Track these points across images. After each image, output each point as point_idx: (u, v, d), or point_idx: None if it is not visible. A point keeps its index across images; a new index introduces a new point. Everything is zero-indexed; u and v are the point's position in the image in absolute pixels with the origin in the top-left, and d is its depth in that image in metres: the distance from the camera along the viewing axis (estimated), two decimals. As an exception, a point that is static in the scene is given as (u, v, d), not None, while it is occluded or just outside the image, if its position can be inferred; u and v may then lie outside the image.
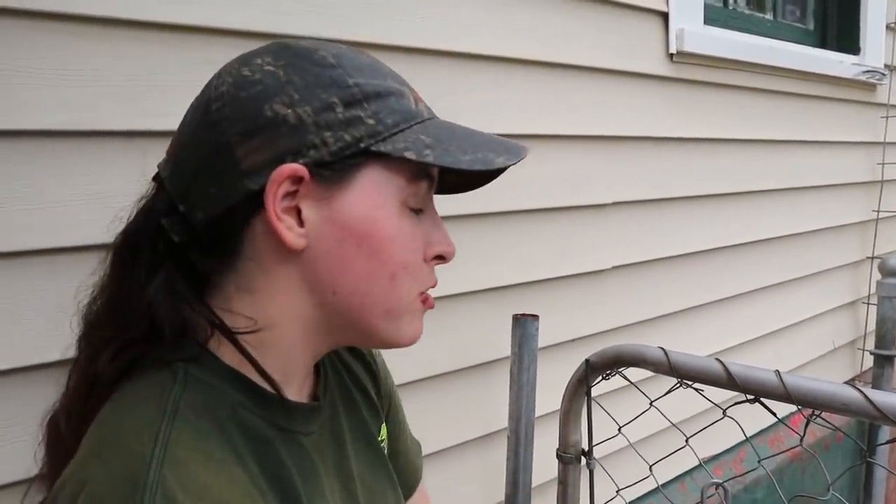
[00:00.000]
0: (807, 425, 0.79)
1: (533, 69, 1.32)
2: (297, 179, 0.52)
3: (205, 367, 0.54)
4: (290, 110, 0.52)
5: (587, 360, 1.03)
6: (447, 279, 1.23)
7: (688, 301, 1.76)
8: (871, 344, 2.43)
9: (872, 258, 2.50)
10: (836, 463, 2.40)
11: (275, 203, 0.52)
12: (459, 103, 1.20)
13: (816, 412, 0.78)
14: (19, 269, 0.79)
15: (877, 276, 2.35)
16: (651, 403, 0.97)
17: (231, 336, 0.54)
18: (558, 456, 1.10)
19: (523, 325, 1.16)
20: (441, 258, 0.60)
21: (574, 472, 1.10)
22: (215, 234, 0.54)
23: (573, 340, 1.45)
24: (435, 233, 0.59)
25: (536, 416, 1.19)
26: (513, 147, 0.57)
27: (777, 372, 0.82)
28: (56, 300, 0.79)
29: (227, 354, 0.55)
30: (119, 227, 0.57)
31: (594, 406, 1.05)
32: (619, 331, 1.55)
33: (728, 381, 0.85)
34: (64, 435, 0.56)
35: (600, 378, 1.02)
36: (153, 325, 0.52)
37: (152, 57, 0.85)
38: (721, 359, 0.87)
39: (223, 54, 0.89)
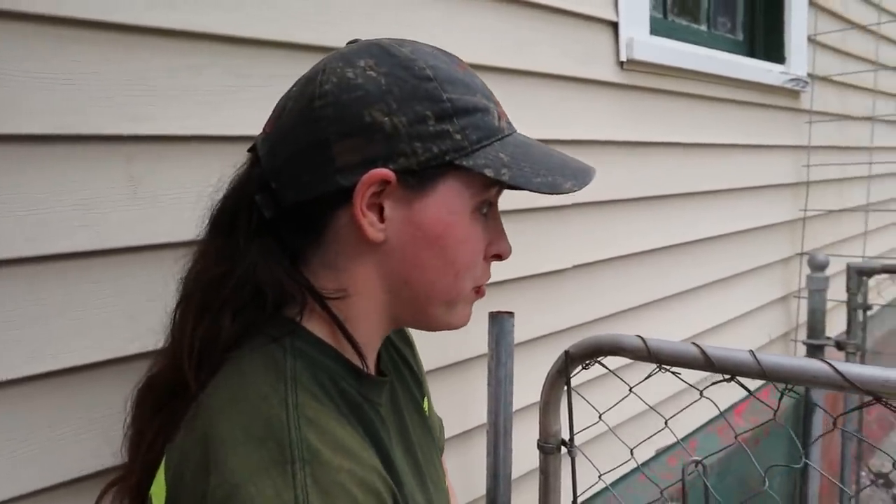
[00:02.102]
0: (781, 398, 0.85)
1: (494, 75, 1.36)
2: (385, 182, 0.57)
3: (304, 339, 0.59)
4: (387, 118, 0.56)
5: (566, 352, 1.07)
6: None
7: (639, 298, 1.83)
8: (802, 335, 2.57)
9: (802, 254, 2.65)
10: (776, 446, 2.53)
11: (362, 201, 0.57)
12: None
13: (789, 386, 0.84)
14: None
15: (806, 271, 2.50)
16: (630, 389, 1.02)
17: (322, 301, 0.59)
18: (539, 447, 1.14)
19: (500, 322, 1.19)
20: (498, 257, 0.66)
21: (555, 461, 1.14)
22: (302, 216, 0.60)
23: (539, 338, 1.50)
24: (496, 233, 0.65)
25: (514, 409, 1.22)
26: (580, 172, 0.63)
27: (751, 352, 0.88)
28: (38, 309, 0.78)
29: (318, 328, 0.61)
30: (216, 194, 0.63)
31: (573, 395, 1.09)
32: (581, 328, 1.61)
33: (706, 362, 0.90)
34: (157, 405, 0.62)
35: (580, 368, 1.07)
36: (257, 289, 0.58)
37: (138, 61, 0.85)
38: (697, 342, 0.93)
39: (206, 59, 0.90)
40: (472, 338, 1.31)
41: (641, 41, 1.68)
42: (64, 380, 0.79)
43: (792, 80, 2.42)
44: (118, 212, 0.82)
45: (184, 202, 0.86)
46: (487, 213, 0.64)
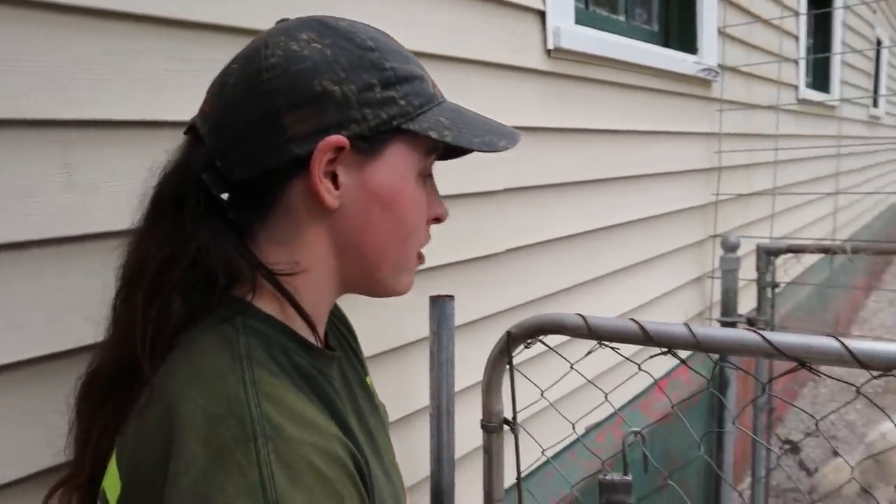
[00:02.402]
0: (714, 368, 0.90)
1: (425, 60, 1.37)
2: (339, 149, 0.59)
3: (254, 317, 0.59)
4: (336, 87, 0.58)
5: (508, 332, 1.10)
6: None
7: (569, 280, 1.89)
8: (716, 313, 2.71)
9: (714, 237, 2.79)
10: (695, 420, 2.66)
11: (319, 168, 0.58)
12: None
13: (723, 356, 0.90)
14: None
15: (719, 252, 2.64)
16: (572, 366, 1.06)
17: (272, 278, 0.60)
18: (483, 426, 1.16)
19: (441, 305, 1.20)
20: (437, 220, 0.69)
21: (498, 439, 1.17)
22: (251, 191, 0.60)
23: (477, 320, 1.52)
24: (434, 197, 0.69)
25: (456, 391, 1.24)
26: (509, 133, 0.68)
27: (686, 325, 0.92)
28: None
29: (267, 304, 0.61)
30: (152, 180, 0.62)
31: (515, 374, 1.12)
32: (516, 309, 1.64)
33: (644, 337, 0.95)
34: (103, 398, 0.61)
35: (522, 347, 1.09)
36: (208, 272, 0.58)
37: (77, 44, 0.81)
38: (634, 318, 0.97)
39: (148, 42, 0.87)
40: (413, 322, 1.32)
41: (567, 30, 1.72)
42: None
43: (704, 69, 2.53)
44: (54, 200, 0.78)
45: (123, 190, 0.83)
46: (428, 178, 0.68)
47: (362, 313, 1.24)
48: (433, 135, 0.61)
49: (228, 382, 0.53)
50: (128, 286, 0.62)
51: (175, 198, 0.60)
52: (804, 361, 0.83)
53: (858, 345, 0.79)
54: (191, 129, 0.63)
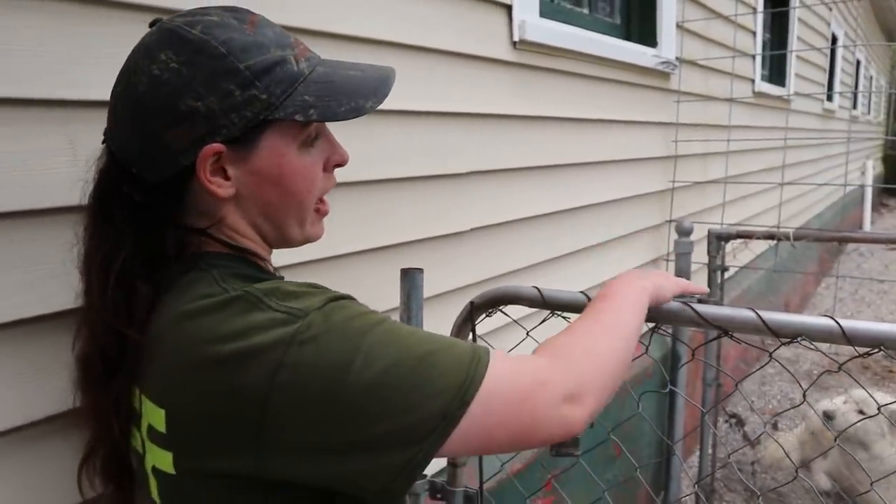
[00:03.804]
0: (651, 335, 1.02)
1: (395, 51, 1.46)
2: (218, 153, 0.68)
3: (213, 258, 0.72)
4: (199, 103, 0.67)
5: (471, 302, 1.20)
6: (339, 240, 1.35)
7: (531, 259, 2.00)
8: (670, 294, 2.85)
9: (670, 221, 2.93)
10: (649, 395, 2.81)
11: (205, 172, 0.69)
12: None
13: (661, 326, 1.01)
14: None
15: (674, 236, 2.78)
16: (528, 333, 1.17)
17: (205, 232, 0.72)
18: (447, 388, 1.27)
19: (411, 277, 1.30)
20: (339, 164, 0.79)
21: (460, 401, 1.27)
22: (166, 190, 0.71)
23: (444, 293, 1.63)
24: (330, 148, 0.78)
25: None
26: (380, 85, 0.75)
27: (628, 296, 1.04)
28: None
29: (217, 249, 0.73)
30: (88, 187, 0.73)
31: (478, 342, 1.23)
32: (481, 284, 1.75)
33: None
34: (103, 375, 0.72)
35: (484, 316, 1.20)
36: (152, 256, 0.71)
37: (80, 28, 0.89)
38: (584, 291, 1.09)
39: (140, 28, 0.95)
40: (384, 293, 1.41)
41: (532, 23, 1.82)
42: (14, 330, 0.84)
43: (663, 62, 2.66)
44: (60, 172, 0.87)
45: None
46: (317, 137, 0.75)
47: (342, 286, 1.34)
48: (298, 118, 0.69)
49: (216, 293, 0.66)
50: (86, 273, 0.73)
51: (105, 203, 0.72)
52: (726, 330, 0.95)
53: (771, 316, 0.91)
54: (105, 139, 0.73)
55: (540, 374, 0.68)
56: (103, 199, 0.72)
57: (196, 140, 0.67)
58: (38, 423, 0.88)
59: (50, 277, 0.87)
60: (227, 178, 0.70)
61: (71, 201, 0.86)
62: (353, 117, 0.71)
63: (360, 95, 0.72)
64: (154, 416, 0.67)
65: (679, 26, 2.86)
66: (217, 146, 0.68)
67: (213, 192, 0.70)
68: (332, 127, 0.77)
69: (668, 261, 2.95)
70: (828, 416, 2.68)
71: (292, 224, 0.76)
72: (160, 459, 0.68)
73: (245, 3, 0.85)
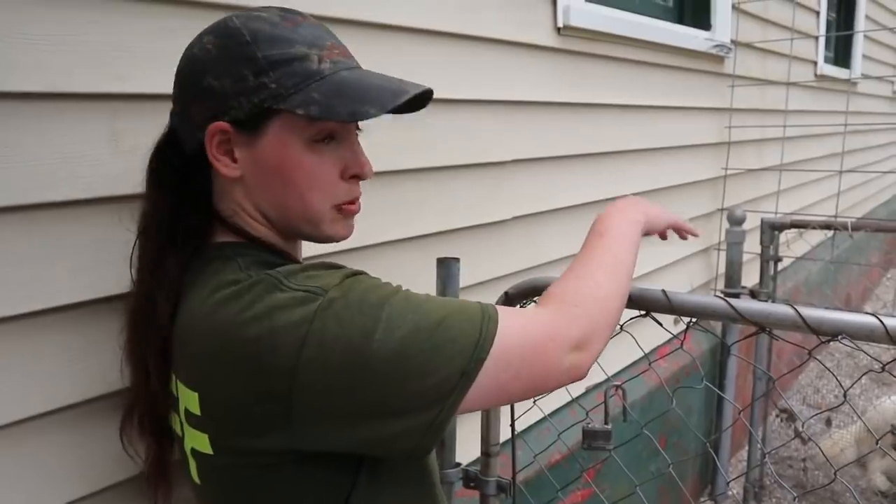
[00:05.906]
0: (686, 330, 1.01)
1: (446, 40, 1.46)
2: (225, 132, 0.72)
3: (236, 247, 0.76)
4: (216, 82, 0.71)
5: (506, 293, 1.20)
6: (377, 230, 1.37)
7: (574, 248, 1.97)
8: (721, 284, 2.80)
9: (722, 210, 2.86)
10: (697, 389, 2.76)
11: (212, 148, 0.73)
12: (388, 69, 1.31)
13: (695, 320, 1.00)
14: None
15: (726, 225, 2.71)
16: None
17: (223, 221, 0.77)
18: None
19: (447, 266, 1.31)
20: (357, 176, 0.79)
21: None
22: (196, 165, 0.76)
23: (483, 282, 1.63)
24: (350, 156, 0.78)
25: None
26: (390, 98, 0.73)
27: (663, 291, 1.02)
28: (32, 256, 0.86)
29: (237, 239, 0.77)
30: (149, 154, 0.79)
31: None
32: (520, 273, 1.75)
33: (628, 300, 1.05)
34: (144, 328, 0.77)
35: (518, 307, 1.20)
36: (187, 229, 0.76)
37: (123, 25, 0.92)
38: (619, 284, 1.07)
39: (179, 22, 0.98)
40: (421, 282, 1.42)
41: (577, 8, 1.79)
42: (55, 317, 0.88)
43: (716, 46, 2.58)
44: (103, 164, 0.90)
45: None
46: (335, 142, 0.76)
47: (376, 273, 1.36)
48: (299, 111, 0.70)
49: (241, 279, 0.69)
50: (142, 235, 0.79)
51: (156, 168, 0.78)
52: (764, 326, 0.93)
53: (810, 312, 0.88)
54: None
55: (549, 327, 0.73)
56: (157, 160, 0.79)
57: (209, 116, 0.72)
58: (92, 401, 0.92)
59: (99, 265, 0.90)
60: (234, 160, 0.74)
61: (117, 191, 0.90)
62: (351, 120, 0.72)
63: (366, 102, 0.72)
64: (189, 399, 0.71)
65: (735, 7, 2.77)
66: (223, 124, 0.72)
67: (217, 168, 0.74)
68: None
69: (719, 250, 2.88)
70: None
71: (300, 221, 0.77)
72: (198, 441, 0.72)
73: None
